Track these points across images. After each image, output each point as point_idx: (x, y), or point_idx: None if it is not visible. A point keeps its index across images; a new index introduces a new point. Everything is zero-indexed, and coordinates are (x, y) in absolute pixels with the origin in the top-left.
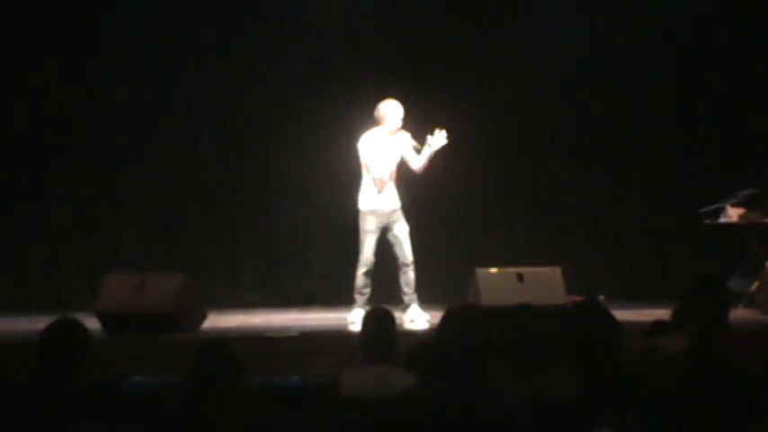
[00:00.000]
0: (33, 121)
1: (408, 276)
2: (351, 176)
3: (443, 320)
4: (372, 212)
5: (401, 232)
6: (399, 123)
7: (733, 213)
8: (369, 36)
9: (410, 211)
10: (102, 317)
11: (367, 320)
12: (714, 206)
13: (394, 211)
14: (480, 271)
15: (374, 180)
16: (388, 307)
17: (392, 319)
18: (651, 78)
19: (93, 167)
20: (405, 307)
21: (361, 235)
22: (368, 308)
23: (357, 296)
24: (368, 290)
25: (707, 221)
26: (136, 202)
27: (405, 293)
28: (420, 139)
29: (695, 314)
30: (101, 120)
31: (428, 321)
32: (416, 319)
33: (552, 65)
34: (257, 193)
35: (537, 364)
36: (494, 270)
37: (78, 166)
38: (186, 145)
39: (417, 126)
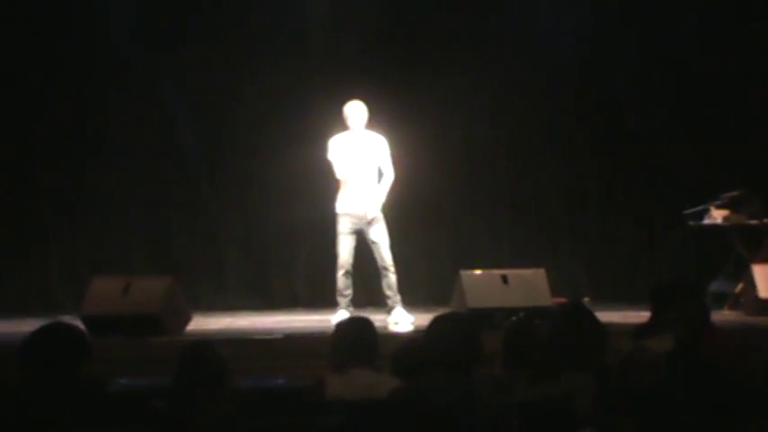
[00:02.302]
0: (19, 126)
1: (389, 280)
2: (335, 178)
3: (431, 327)
4: (347, 215)
5: (378, 237)
6: (360, 124)
7: (717, 215)
8: (355, 37)
9: (394, 213)
10: (87, 320)
11: (339, 330)
12: (698, 208)
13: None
14: (465, 273)
15: (337, 181)
16: (372, 310)
17: (367, 327)
18: (636, 81)
19: (78, 170)
20: (389, 309)
21: (337, 237)
22: (351, 309)
23: (339, 298)
24: (349, 291)
25: (691, 223)
26: (121, 204)
27: (387, 297)
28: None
29: (678, 316)
30: (86, 123)
31: (413, 323)
32: (401, 321)
33: (538, 67)
34: (242, 195)
35: (534, 369)
36: (478, 272)
37: (63, 170)
38: (171, 147)
39: (402, 129)
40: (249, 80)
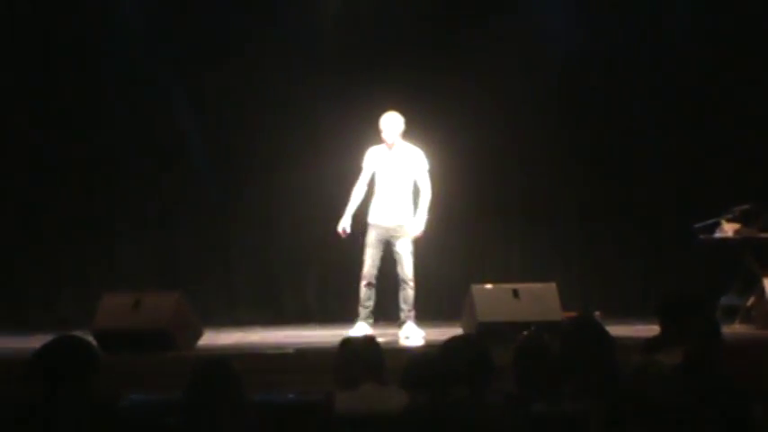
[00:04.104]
0: (28, 140)
1: (407, 293)
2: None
3: (444, 347)
4: (374, 226)
5: (403, 249)
6: (397, 136)
7: (728, 228)
8: (368, 50)
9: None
10: (98, 335)
11: (344, 349)
12: (709, 221)
13: (398, 227)
14: (476, 287)
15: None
16: (384, 323)
17: (371, 344)
18: (646, 94)
19: (87, 186)
20: (401, 323)
21: (364, 247)
22: (371, 321)
23: (360, 309)
24: (371, 302)
25: (702, 237)
26: (132, 220)
27: (402, 310)
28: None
29: (687, 330)
30: (95, 137)
31: (423, 338)
32: (412, 335)
33: (552, 79)
34: (253, 209)
35: (544, 383)
36: (489, 286)
37: (73, 185)
38: (182, 162)
39: (412, 140)
40: (260, 94)
